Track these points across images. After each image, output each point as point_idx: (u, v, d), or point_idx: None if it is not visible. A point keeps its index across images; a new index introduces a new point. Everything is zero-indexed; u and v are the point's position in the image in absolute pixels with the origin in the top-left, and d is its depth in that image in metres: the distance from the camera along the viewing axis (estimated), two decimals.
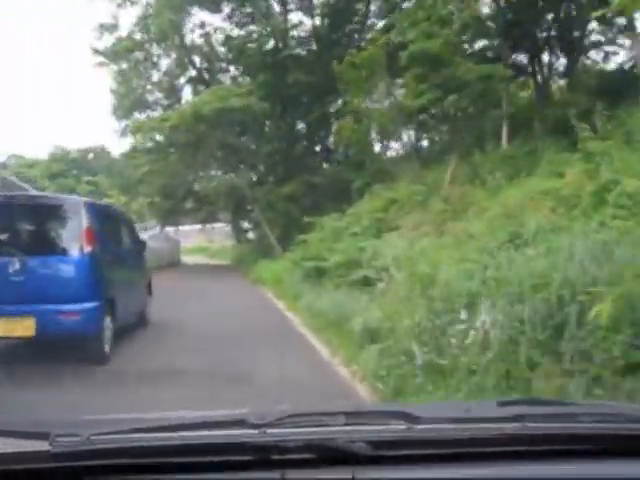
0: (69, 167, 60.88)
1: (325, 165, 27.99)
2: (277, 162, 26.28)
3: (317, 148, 28.12)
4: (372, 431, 1.36)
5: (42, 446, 1.24)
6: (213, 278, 22.18)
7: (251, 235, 40.04)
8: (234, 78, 29.39)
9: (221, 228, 48.29)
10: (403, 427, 1.34)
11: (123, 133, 30.08)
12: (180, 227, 54.36)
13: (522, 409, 1.56)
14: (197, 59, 30.97)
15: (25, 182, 49.73)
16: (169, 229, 46.15)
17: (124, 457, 1.25)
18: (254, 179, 26.68)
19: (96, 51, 26.17)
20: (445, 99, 12.82)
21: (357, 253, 10.78)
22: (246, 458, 1.27)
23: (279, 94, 24.39)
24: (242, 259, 33.25)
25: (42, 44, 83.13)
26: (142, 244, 10.11)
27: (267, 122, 25.08)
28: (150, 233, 39.18)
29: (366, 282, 9.92)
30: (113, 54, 26.60)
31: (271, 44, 25.86)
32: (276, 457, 1.26)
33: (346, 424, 1.37)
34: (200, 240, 61.43)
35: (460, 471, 1.30)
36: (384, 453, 1.28)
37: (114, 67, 27.48)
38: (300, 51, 26.07)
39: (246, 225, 40.60)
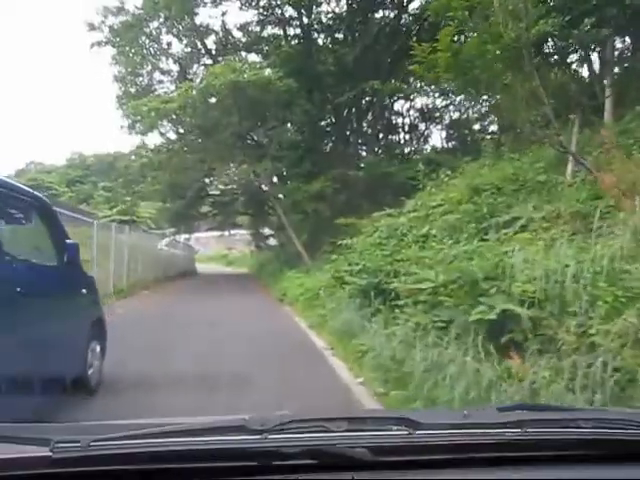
0: (86, 173, 57.04)
1: (361, 156, 22.87)
2: (303, 155, 21.28)
3: (350, 137, 22.98)
4: (373, 437, 1.29)
5: (43, 452, 1.17)
6: (227, 294, 17.17)
7: (272, 241, 35.26)
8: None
9: (241, 236, 43.86)
10: (404, 433, 1.28)
11: (131, 128, 25.32)
12: (198, 234, 50.13)
13: (522, 414, 1.49)
14: (211, 44, 26.23)
15: (42, 189, 46.20)
16: (186, 236, 41.68)
17: (125, 463, 1.19)
18: (276, 175, 21.59)
19: (92, 27, 21.45)
20: (581, 24, 7.77)
21: (468, 268, 5.67)
22: (247, 464, 1.21)
23: (305, 71, 19.41)
24: (263, 268, 28.35)
25: (62, 50, 79.48)
26: (73, 250, 5.04)
27: (291, 107, 20.04)
28: (165, 241, 34.85)
29: (498, 325, 4.88)
30: (113, 32, 21.87)
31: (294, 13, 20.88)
32: (277, 463, 1.21)
33: (347, 430, 1.30)
34: (219, 248, 57.08)
35: (460, 477, 1.26)
36: (385, 459, 1.23)
37: (115, 50, 22.62)
38: (329, 21, 21.14)
39: (267, 230, 35.86)
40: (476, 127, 28.84)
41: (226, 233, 43.52)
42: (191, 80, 17.76)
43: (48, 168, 60.77)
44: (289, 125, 20.33)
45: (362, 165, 21.38)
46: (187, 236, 43.08)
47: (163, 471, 1.19)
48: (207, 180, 25.94)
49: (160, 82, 26.77)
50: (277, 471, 1.20)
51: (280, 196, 20.42)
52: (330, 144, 22.75)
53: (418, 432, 1.28)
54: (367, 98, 21.86)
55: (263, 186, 21.69)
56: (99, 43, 21.84)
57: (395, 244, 9.36)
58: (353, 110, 22.88)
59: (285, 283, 15.79)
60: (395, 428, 1.32)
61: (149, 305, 14.33)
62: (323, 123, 22.07)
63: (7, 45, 74.71)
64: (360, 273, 9.27)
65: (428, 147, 28.36)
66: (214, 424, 1.37)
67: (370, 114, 23.83)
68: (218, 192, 28.21)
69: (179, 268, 29.82)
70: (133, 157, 26.71)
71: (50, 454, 1.17)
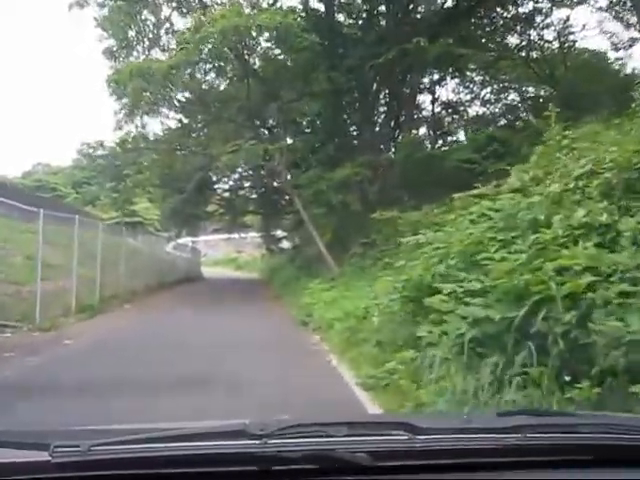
0: (92, 175, 52.76)
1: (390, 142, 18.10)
2: (326, 137, 16.70)
3: (382, 114, 18.28)
4: (373, 442, 1.22)
5: (42, 457, 1.12)
6: (231, 309, 12.49)
7: (285, 244, 30.72)
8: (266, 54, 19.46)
9: (252, 238, 39.67)
10: (404, 438, 1.21)
11: (129, 115, 20.70)
12: (207, 237, 45.92)
13: (522, 420, 1.40)
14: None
15: (47, 190, 42.11)
16: (194, 239, 37.28)
17: (125, 468, 1.13)
18: (293, 160, 16.87)
19: None
20: None
21: None
22: (247, 469, 1.15)
23: (329, 30, 14.84)
24: (275, 274, 23.81)
25: (66, 50, 75.54)
26: None
27: (312, 74, 15.42)
28: (172, 244, 30.64)
29: None
30: None
31: None
32: (277, 468, 1.15)
33: (347, 434, 1.21)
34: (229, 250, 52.78)
35: None
36: (385, 463, 1.18)
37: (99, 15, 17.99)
38: None
39: (279, 233, 31.34)
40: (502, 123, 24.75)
41: (235, 235, 38.82)
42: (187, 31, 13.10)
43: (54, 169, 56.96)
44: (310, 97, 15.54)
45: (396, 147, 16.76)
46: (195, 239, 38.68)
47: (163, 476, 1.13)
48: (211, 173, 21.28)
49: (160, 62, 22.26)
50: (277, 476, 1.15)
51: (299, 185, 15.68)
52: (355, 125, 17.98)
53: (418, 437, 1.20)
54: (400, 69, 17.12)
55: (279, 170, 17.02)
56: (79, 3, 17.28)
57: (534, 242, 4.71)
58: (384, 92, 18.25)
59: (307, 298, 11.13)
60: (395, 433, 1.24)
61: (120, 330, 9.77)
62: (349, 99, 17.34)
63: (13, 46, 70.91)
64: (468, 296, 4.65)
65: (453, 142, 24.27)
66: (214, 429, 1.30)
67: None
68: (225, 186, 23.69)
69: (181, 273, 25.29)
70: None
71: (49, 459, 1.10)
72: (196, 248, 35.95)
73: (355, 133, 18.18)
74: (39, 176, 49.78)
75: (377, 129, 18.60)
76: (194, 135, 19.36)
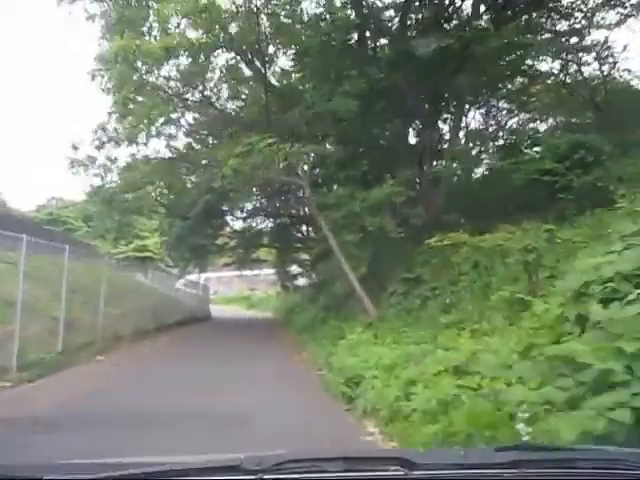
0: (105, 207, 50.07)
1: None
2: (357, 148, 13.37)
3: (422, 124, 14.85)
4: (370, 477, 1.20)
5: None
6: (237, 370, 8.91)
7: (301, 281, 27.31)
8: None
9: (265, 276, 36.66)
10: (401, 473, 1.16)
11: (131, 138, 17.52)
12: (220, 274, 42.89)
13: (519, 454, 1.30)
14: None
15: (58, 223, 39.57)
16: (206, 275, 34.03)
17: None
18: (317, 176, 13.47)
19: None
20: None
21: None
22: None
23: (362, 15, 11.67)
24: (293, 314, 20.23)
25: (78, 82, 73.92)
26: None
27: (344, 69, 12.21)
28: (182, 280, 27.53)
29: None
30: None
31: None
32: None
33: (344, 470, 1.18)
34: (242, 288, 49.39)
35: None
36: None
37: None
38: None
39: (294, 268, 27.98)
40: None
41: (248, 272, 35.30)
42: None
43: (67, 203, 54.88)
44: (341, 99, 12.20)
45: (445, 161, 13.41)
46: (207, 275, 35.53)
47: None
48: (220, 198, 17.99)
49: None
50: None
51: (325, 205, 12.20)
52: (390, 136, 14.56)
53: (414, 472, 1.16)
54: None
55: (297, 198, 13.67)
56: None
57: None
58: (426, 94, 14.96)
59: (346, 354, 7.48)
60: (392, 468, 1.18)
61: (67, 403, 6.24)
62: (385, 103, 13.98)
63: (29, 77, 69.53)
64: None
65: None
66: (209, 463, 1.23)
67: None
68: (237, 214, 20.38)
69: (185, 313, 21.75)
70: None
71: None
72: (206, 285, 32.65)
73: (390, 145, 14.80)
74: (52, 209, 47.63)
75: (415, 142, 15.27)
76: (195, 146, 16.17)
